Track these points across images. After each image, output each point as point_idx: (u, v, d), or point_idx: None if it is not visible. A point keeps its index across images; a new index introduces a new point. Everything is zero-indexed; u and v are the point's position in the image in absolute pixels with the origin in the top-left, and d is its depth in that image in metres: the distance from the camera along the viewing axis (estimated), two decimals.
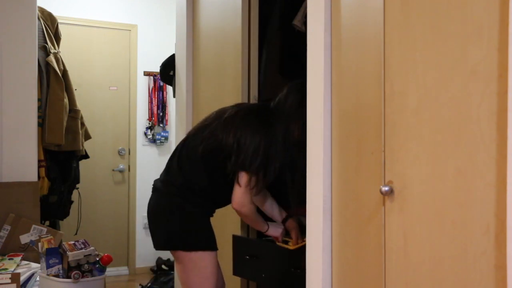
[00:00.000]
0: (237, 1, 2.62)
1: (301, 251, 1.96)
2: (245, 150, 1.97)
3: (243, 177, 1.99)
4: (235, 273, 2.31)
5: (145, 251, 4.94)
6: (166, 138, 5.03)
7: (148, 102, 4.99)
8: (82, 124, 3.64)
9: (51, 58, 3.36)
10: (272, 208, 2.23)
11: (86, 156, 3.76)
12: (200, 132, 2.11)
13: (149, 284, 4.33)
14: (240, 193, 2.00)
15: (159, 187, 2.13)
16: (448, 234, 1.20)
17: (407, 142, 1.34)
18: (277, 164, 1.99)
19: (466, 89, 1.15)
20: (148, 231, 5.05)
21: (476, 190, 1.12)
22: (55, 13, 3.62)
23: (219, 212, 2.19)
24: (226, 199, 2.09)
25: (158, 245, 2.11)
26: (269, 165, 1.98)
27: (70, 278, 1.94)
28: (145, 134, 4.98)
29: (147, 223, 2.16)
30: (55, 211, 3.44)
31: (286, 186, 2.06)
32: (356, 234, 1.58)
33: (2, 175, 3.11)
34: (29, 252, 2.67)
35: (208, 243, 2.06)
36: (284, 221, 2.21)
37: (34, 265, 2.47)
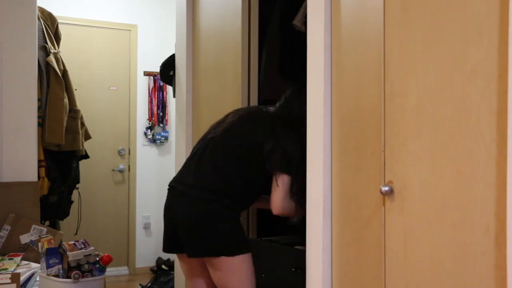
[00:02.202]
0: (237, 1, 2.62)
1: (301, 251, 1.96)
2: (289, 152, 1.98)
3: (284, 180, 1.99)
4: None
5: (145, 251, 4.94)
6: (166, 138, 5.03)
7: (148, 102, 4.99)
8: (82, 124, 3.64)
9: (51, 58, 3.35)
10: (300, 209, 2.12)
11: (86, 156, 3.76)
12: (231, 132, 2.09)
13: (149, 284, 4.33)
14: (280, 198, 1.99)
15: (183, 190, 2.06)
16: (448, 234, 1.20)
17: (407, 142, 1.34)
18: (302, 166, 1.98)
19: (466, 89, 1.15)
20: (148, 231, 5.08)
21: (476, 190, 1.12)
22: (55, 13, 3.62)
23: None
24: (254, 200, 2.12)
25: (197, 253, 2.03)
26: (300, 167, 1.98)
27: (70, 278, 1.94)
28: (145, 134, 4.98)
29: (173, 225, 2.07)
30: (55, 211, 3.44)
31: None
32: (356, 234, 1.58)
33: (2, 175, 3.11)
34: (29, 252, 2.67)
35: (246, 245, 2.04)
36: None
37: (34, 265, 2.46)
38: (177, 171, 2.22)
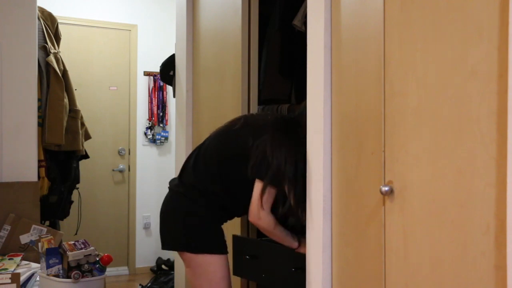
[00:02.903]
0: (237, 1, 2.62)
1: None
2: (275, 163, 1.89)
3: (259, 187, 1.92)
4: (235, 273, 2.31)
5: (145, 251, 4.94)
6: (166, 138, 5.03)
7: (148, 102, 4.99)
8: (82, 124, 3.64)
9: (51, 58, 3.35)
10: (283, 232, 2.03)
11: (86, 156, 3.76)
12: (222, 136, 2.10)
13: (149, 284, 4.33)
14: (255, 205, 1.93)
15: (172, 187, 2.14)
16: (448, 234, 1.20)
17: (407, 142, 1.34)
18: (288, 182, 1.91)
19: (466, 89, 1.15)
20: (148, 231, 5.08)
21: (476, 190, 1.12)
22: (55, 13, 3.62)
23: None
24: (239, 209, 2.06)
25: (165, 245, 2.11)
26: (284, 180, 1.90)
27: (70, 278, 1.94)
28: (145, 134, 4.98)
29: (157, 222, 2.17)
30: (55, 211, 3.44)
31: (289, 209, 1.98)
32: (356, 234, 1.58)
33: (2, 175, 3.11)
34: (29, 252, 2.67)
35: (216, 246, 2.01)
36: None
37: (34, 265, 2.46)
38: (178, 171, 2.23)
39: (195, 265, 2.01)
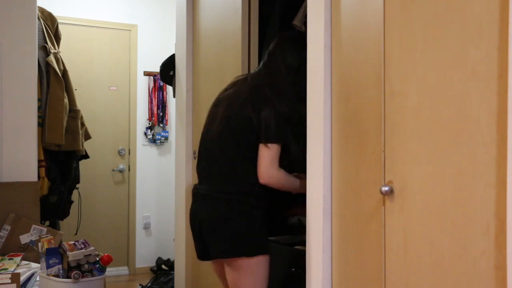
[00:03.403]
0: (237, 1, 2.62)
1: (301, 251, 1.96)
2: (264, 123, 1.91)
3: (268, 149, 1.90)
4: None
5: (145, 251, 4.94)
6: (166, 138, 5.03)
7: (148, 102, 4.99)
8: (82, 124, 3.64)
9: (51, 58, 3.35)
10: (291, 178, 2.02)
11: (86, 156, 3.76)
12: (225, 131, 2.03)
13: (149, 284, 4.33)
14: (266, 165, 1.91)
15: (209, 194, 2.03)
16: (448, 234, 1.20)
17: (407, 142, 1.34)
18: (289, 129, 1.94)
19: (466, 89, 1.15)
20: (148, 231, 5.08)
21: (476, 190, 1.12)
22: (55, 13, 3.62)
23: None
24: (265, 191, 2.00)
25: (216, 253, 2.00)
26: (286, 133, 1.93)
27: (70, 278, 1.94)
28: (145, 134, 4.97)
29: (199, 231, 2.03)
30: (55, 211, 3.44)
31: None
32: (356, 234, 1.58)
33: (2, 175, 3.11)
34: (29, 252, 2.66)
35: (266, 246, 1.98)
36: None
37: (34, 265, 2.46)
38: (178, 171, 2.20)
39: (247, 267, 1.94)
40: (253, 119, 1.94)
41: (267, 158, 1.92)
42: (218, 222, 1.97)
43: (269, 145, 1.91)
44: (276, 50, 2.07)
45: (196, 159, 2.17)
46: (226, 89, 2.17)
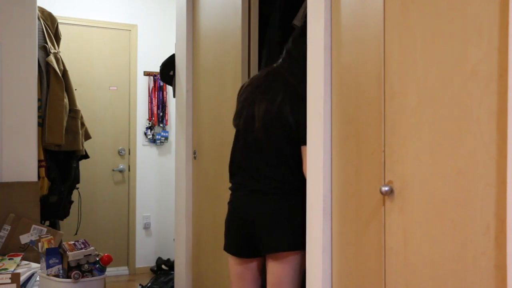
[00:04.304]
0: (237, 1, 2.62)
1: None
2: (303, 125, 1.91)
3: (305, 152, 1.91)
4: None
5: (145, 251, 4.94)
6: (166, 138, 5.03)
7: (148, 102, 4.99)
8: (82, 124, 3.64)
9: (51, 58, 3.36)
10: None
11: (86, 156, 3.76)
12: (266, 125, 2.04)
13: (149, 284, 4.33)
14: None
15: (259, 190, 2.02)
16: (448, 234, 1.20)
17: (407, 142, 1.34)
18: None
19: (466, 89, 1.15)
20: (148, 231, 5.08)
21: (476, 190, 1.12)
22: (55, 13, 3.62)
23: (219, 211, 2.19)
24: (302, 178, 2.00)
25: (269, 248, 1.98)
26: None
27: (70, 278, 1.94)
28: (145, 134, 4.98)
29: (242, 229, 2.03)
30: (55, 211, 3.44)
31: None
32: (356, 234, 1.58)
33: (2, 175, 3.11)
34: (29, 252, 2.67)
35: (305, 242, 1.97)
36: None
37: (34, 265, 2.47)
38: (178, 171, 2.18)
39: (296, 262, 1.95)
40: (290, 120, 1.97)
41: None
42: (279, 216, 1.96)
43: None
44: (298, 42, 2.07)
45: (230, 156, 2.17)
46: (253, 83, 2.17)
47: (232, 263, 2.14)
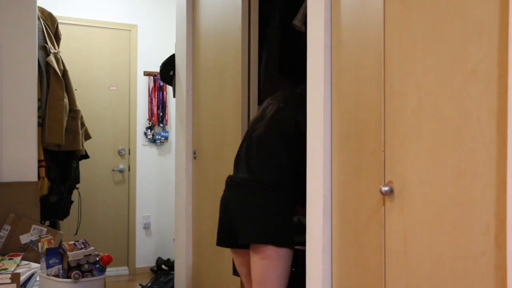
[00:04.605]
0: (237, 2, 2.62)
1: (301, 251, 1.96)
2: None
3: None
4: (235, 273, 2.31)
5: (145, 251, 4.94)
6: (166, 138, 5.03)
7: (148, 102, 4.99)
8: (82, 124, 3.64)
9: (51, 58, 3.35)
10: None
11: (86, 156, 3.76)
12: (273, 127, 2.12)
13: (149, 284, 4.33)
14: None
15: (242, 183, 2.09)
16: (448, 234, 1.20)
17: (407, 142, 1.34)
18: None
19: (466, 89, 1.15)
20: (148, 231, 5.07)
21: (476, 190, 1.12)
22: (55, 13, 3.62)
23: (218, 211, 2.19)
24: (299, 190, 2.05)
25: (244, 238, 2.03)
26: None
27: (70, 278, 1.94)
28: (145, 134, 4.98)
29: (227, 218, 2.10)
30: (55, 211, 3.44)
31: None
32: (356, 234, 1.58)
33: (2, 175, 3.11)
34: (29, 252, 2.67)
35: (293, 240, 2.02)
36: None
37: (34, 265, 2.46)
38: (178, 171, 2.21)
39: (275, 257, 1.98)
40: (300, 121, 2.00)
41: None
42: (251, 209, 2.02)
43: None
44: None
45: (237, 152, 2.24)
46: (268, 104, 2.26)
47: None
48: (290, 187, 2.03)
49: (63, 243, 2.03)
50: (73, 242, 2.04)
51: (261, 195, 2.03)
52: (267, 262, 1.98)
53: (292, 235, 2.01)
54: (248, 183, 2.07)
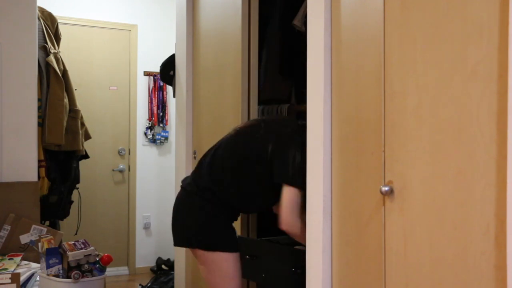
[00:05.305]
0: (237, 2, 2.61)
1: (301, 251, 1.96)
2: (291, 164, 1.94)
3: (291, 193, 1.94)
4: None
5: (145, 251, 4.94)
6: (166, 138, 5.03)
7: (148, 102, 4.99)
8: (82, 124, 3.64)
9: (51, 58, 3.35)
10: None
11: (86, 156, 3.76)
12: (243, 138, 2.13)
13: (149, 284, 4.32)
14: (288, 212, 1.94)
15: (185, 186, 2.17)
16: (448, 234, 1.20)
17: (407, 142, 1.34)
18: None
19: (466, 89, 1.15)
20: (148, 231, 5.08)
21: (476, 190, 1.12)
22: (55, 13, 3.62)
23: None
24: (249, 207, 2.14)
25: (178, 242, 2.15)
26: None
27: (70, 278, 1.94)
28: (145, 134, 4.97)
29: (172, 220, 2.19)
30: (55, 211, 3.44)
31: None
32: (356, 234, 1.58)
33: (2, 175, 3.11)
34: (29, 252, 2.66)
35: (228, 244, 2.08)
36: None
37: (34, 265, 2.46)
38: (178, 171, 2.23)
39: (210, 262, 2.07)
40: (268, 151, 2.00)
41: (290, 203, 1.94)
42: (182, 213, 2.12)
43: (292, 187, 1.94)
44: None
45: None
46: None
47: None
48: (229, 195, 2.06)
49: (63, 243, 2.03)
50: (73, 242, 2.03)
51: (191, 199, 2.11)
52: (204, 267, 2.10)
53: (225, 239, 2.07)
54: (186, 185, 2.16)
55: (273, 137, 2.04)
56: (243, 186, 2.07)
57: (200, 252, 2.07)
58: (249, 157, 2.07)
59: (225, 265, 2.05)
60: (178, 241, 2.16)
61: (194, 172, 2.19)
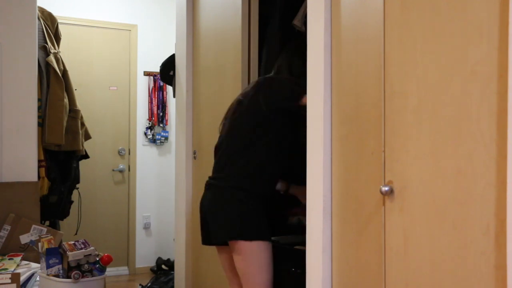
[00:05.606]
0: (237, 1, 2.62)
1: (301, 251, 1.96)
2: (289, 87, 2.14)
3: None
4: None
5: (145, 251, 4.94)
6: (166, 138, 5.03)
7: (148, 102, 4.99)
8: (82, 124, 3.64)
9: (51, 58, 3.35)
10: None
11: (86, 156, 3.76)
12: (236, 121, 2.18)
13: (149, 284, 4.32)
14: None
15: (213, 183, 2.18)
16: (448, 234, 1.20)
17: (407, 142, 1.34)
18: None
19: (466, 89, 1.15)
20: (148, 231, 5.08)
21: (476, 190, 1.12)
22: (55, 13, 3.62)
23: None
24: (263, 183, 2.14)
25: (217, 237, 2.13)
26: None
27: (70, 278, 1.94)
28: (145, 134, 4.97)
29: (203, 217, 2.19)
30: (55, 211, 3.44)
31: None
32: (356, 234, 1.58)
33: (2, 175, 3.11)
34: (29, 252, 2.66)
35: (266, 233, 2.09)
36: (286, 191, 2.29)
37: (34, 265, 2.46)
38: (178, 171, 2.23)
39: (249, 252, 2.06)
40: (262, 106, 2.08)
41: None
42: (217, 208, 2.11)
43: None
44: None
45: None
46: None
47: (218, 256, 2.29)
48: (253, 187, 2.10)
49: (63, 243, 2.03)
50: (73, 242, 2.03)
51: (224, 193, 2.12)
52: (242, 257, 2.08)
53: (262, 227, 2.08)
54: (215, 183, 2.18)
55: (260, 91, 2.14)
56: (253, 155, 2.11)
57: (241, 244, 2.06)
58: (249, 123, 2.13)
59: (262, 254, 2.06)
60: (218, 237, 2.13)
61: (217, 170, 2.21)
